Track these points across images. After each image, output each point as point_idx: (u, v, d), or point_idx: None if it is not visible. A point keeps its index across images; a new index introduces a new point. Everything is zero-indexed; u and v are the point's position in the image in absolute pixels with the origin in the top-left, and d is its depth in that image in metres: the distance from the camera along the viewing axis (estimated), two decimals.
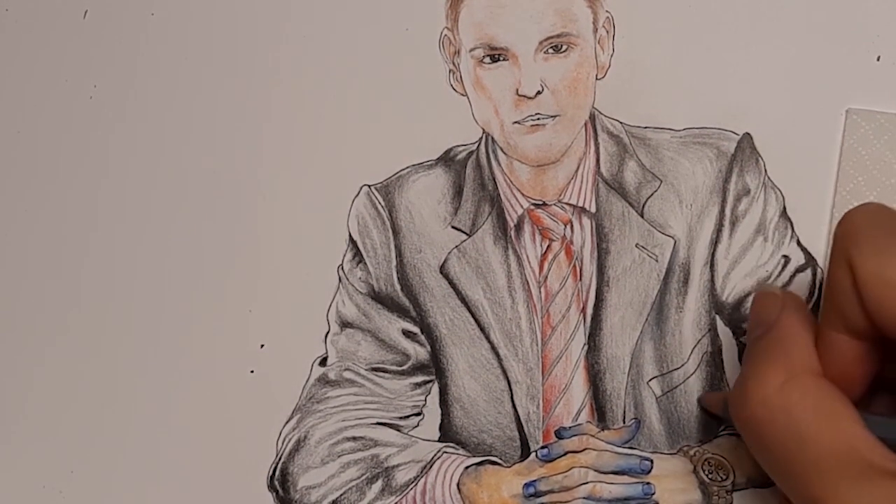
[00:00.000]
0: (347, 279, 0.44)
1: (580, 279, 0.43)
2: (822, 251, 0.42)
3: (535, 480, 0.41)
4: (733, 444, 0.40)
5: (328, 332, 0.44)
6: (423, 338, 0.43)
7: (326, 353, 0.43)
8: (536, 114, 0.44)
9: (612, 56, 0.44)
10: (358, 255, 0.44)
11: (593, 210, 0.43)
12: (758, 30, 0.44)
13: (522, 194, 0.44)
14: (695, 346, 0.41)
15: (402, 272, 0.44)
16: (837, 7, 0.43)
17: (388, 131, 0.45)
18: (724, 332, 0.42)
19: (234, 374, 0.44)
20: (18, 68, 0.49)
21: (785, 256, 0.42)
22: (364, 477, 0.42)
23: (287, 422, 0.43)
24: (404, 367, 0.43)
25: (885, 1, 0.43)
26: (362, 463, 0.42)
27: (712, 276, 0.42)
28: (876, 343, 0.33)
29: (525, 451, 0.41)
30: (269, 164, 0.46)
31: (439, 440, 0.42)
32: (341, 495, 0.42)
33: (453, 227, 0.44)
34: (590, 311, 0.42)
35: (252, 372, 0.44)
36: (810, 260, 0.42)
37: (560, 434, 0.41)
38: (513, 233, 0.43)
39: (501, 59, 0.44)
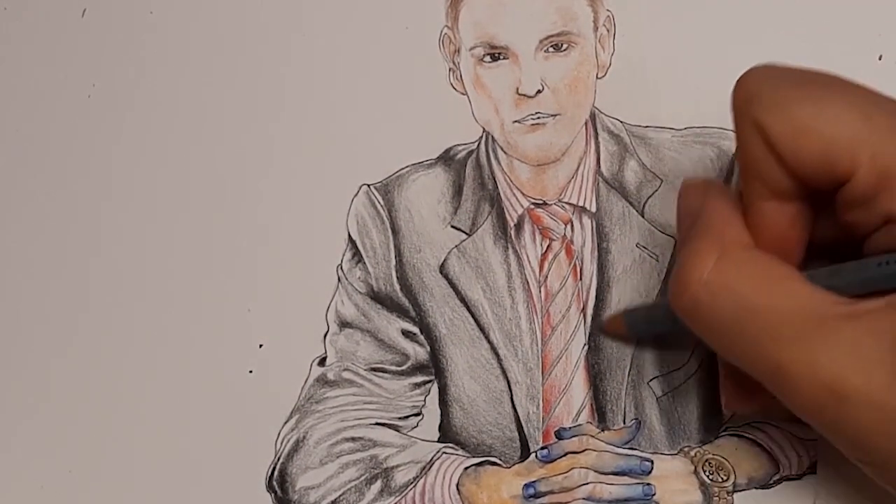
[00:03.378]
0: (346, 279, 0.44)
1: (580, 279, 0.43)
2: None
3: (534, 481, 0.41)
4: (734, 444, 0.40)
5: (327, 332, 0.44)
6: (422, 338, 0.43)
7: (325, 353, 0.43)
8: (537, 113, 0.43)
9: (612, 55, 0.44)
10: (357, 255, 0.44)
11: (594, 210, 0.43)
12: (759, 29, 0.43)
13: (522, 194, 0.44)
14: (696, 346, 0.41)
15: (402, 272, 0.44)
16: (839, 6, 0.43)
17: (388, 130, 0.45)
18: None
19: (232, 373, 0.44)
20: (17, 67, 0.49)
21: None
22: (363, 477, 0.42)
23: (286, 422, 0.43)
24: (403, 368, 0.43)
25: (886, 0, 0.43)
26: (361, 463, 0.42)
27: None
28: (803, 202, 0.32)
29: (525, 452, 0.41)
30: (267, 163, 0.46)
31: (439, 441, 0.42)
32: (340, 496, 0.42)
33: (453, 227, 0.44)
34: (590, 311, 0.42)
35: (251, 372, 0.44)
36: None
37: (560, 435, 0.41)
38: (513, 232, 0.43)
39: (502, 57, 0.44)
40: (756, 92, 0.32)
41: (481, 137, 0.44)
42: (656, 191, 0.43)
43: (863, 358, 0.29)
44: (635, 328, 0.41)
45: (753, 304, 0.31)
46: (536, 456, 0.41)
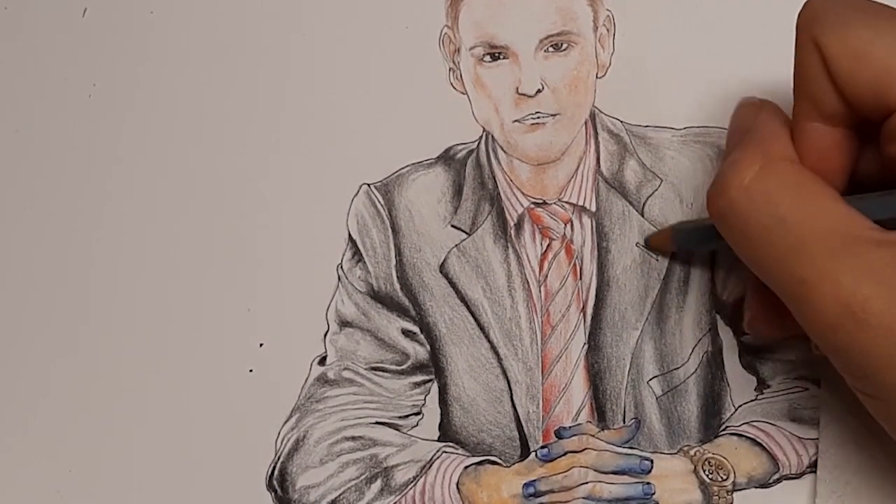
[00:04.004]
0: (347, 278, 0.44)
1: (580, 278, 0.43)
2: None
3: (534, 480, 0.41)
4: (734, 444, 0.40)
5: (327, 332, 0.44)
6: (422, 337, 0.43)
7: (325, 352, 0.43)
8: (536, 112, 0.43)
9: (612, 55, 0.44)
10: (357, 254, 0.44)
11: (593, 209, 0.43)
12: (758, 28, 0.43)
13: (522, 193, 0.44)
14: (695, 345, 0.41)
15: (402, 271, 0.44)
16: None
17: (388, 130, 0.45)
18: (724, 331, 0.42)
19: (232, 373, 0.44)
20: (17, 66, 0.49)
21: None
22: (363, 477, 0.42)
23: (286, 421, 0.43)
24: (403, 367, 0.43)
25: (885, 0, 0.43)
26: (361, 462, 0.42)
27: (713, 276, 0.42)
28: (850, 130, 0.33)
29: (525, 451, 0.41)
30: (267, 162, 0.46)
31: (438, 440, 0.42)
32: (340, 495, 0.42)
33: (453, 226, 0.44)
34: (590, 310, 0.42)
35: (251, 371, 0.44)
36: None
37: (560, 434, 0.41)
38: (513, 232, 0.43)
39: (501, 57, 0.44)
40: (820, 11, 0.32)
41: (481, 137, 0.44)
42: (656, 190, 0.43)
43: (888, 285, 0.29)
44: (683, 243, 0.41)
45: (789, 216, 0.31)
46: (536, 455, 0.41)
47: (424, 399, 0.43)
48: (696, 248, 0.41)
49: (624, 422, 0.41)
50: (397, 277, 0.44)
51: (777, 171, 0.32)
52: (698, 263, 0.42)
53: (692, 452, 0.40)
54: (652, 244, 0.42)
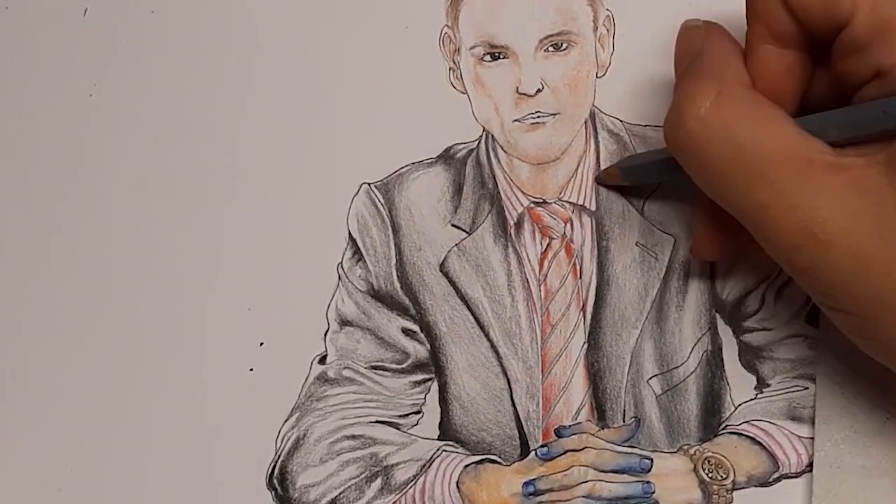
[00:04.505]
0: (347, 277, 0.44)
1: (580, 277, 0.43)
2: None
3: (534, 479, 0.41)
4: (734, 443, 0.40)
5: (327, 331, 0.44)
6: (422, 336, 0.43)
7: (326, 351, 0.43)
8: (536, 112, 0.44)
9: (612, 54, 0.44)
10: (357, 254, 0.44)
11: (593, 208, 0.43)
12: None
13: (522, 192, 0.44)
14: (695, 344, 0.41)
15: (402, 270, 0.44)
16: None
17: (388, 129, 0.45)
18: (724, 330, 0.42)
19: (233, 372, 0.44)
20: (18, 66, 0.49)
21: None
22: (363, 475, 0.42)
23: (286, 420, 0.43)
24: (404, 366, 0.43)
25: None
26: (361, 461, 0.42)
27: (712, 275, 0.42)
28: (802, 52, 0.34)
29: (524, 450, 0.41)
30: (268, 162, 0.46)
31: (438, 438, 0.42)
32: (340, 494, 0.42)
33: (453, 226, 0.44)
34: (590, 309, 0.42)
35: (251, 370, 0.44)
36: None
37: (560, 433, 0.41)
38: (513, 231, 0.43)
39: (501, 57, 0.44)
40: None
41: (481, 136, 0.44)
42: (656, 189, 0.43)
43: (844, 207, 0.30)
44: (632, 176, 0.41)
45: (745, 142, 0.32)
46: (536, 454, 0.41)
47: (424, 398, 0.43)
48: (645, 181, 0.42)
49: (624, 421, 0.41)
50: (397, 276, 0.44)
51: (732, 98, 0.33)
52: (698, 263, 0.42)
53: (692, 451, 0.40)
54: (604, 179, 0.43)
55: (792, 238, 0.31)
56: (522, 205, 0.44)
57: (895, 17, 0.30)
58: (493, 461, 0.41)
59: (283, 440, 0.43)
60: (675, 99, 0.34)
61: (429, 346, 0.43)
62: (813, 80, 0.35)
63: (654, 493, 0.40)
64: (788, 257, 0.32)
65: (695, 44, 0.36)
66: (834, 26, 0.32)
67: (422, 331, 0.43)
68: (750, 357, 0.41)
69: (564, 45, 0.44)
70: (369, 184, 0.45)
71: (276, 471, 0.42)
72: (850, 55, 0.32)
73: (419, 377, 0.43)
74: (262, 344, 0.44)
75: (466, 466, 0.41)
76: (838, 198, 0.31)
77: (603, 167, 0.43)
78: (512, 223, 0.43)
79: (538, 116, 0.44)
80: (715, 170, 0.33)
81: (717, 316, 0.42)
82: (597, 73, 0.44)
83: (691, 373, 0.41)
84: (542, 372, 0.42)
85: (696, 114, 0.32)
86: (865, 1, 0.31)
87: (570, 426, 0.41)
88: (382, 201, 0.44)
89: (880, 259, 0.30)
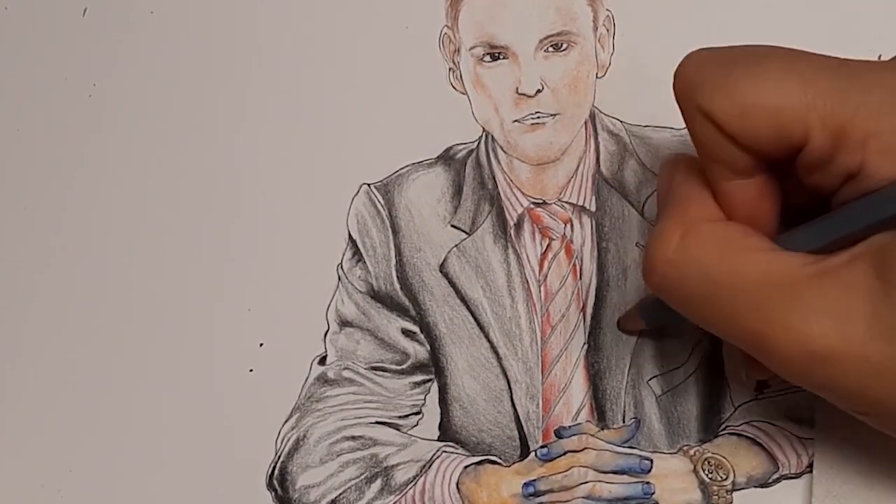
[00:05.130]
0: (347, 278, 0.44)
1: (580, 278, 0.43)
2: None
3: (534, 480, 0.41)
4: (734, 443, 0.40)
5: (327, 331, 0.44)
6: (422, 337, 0.43)
7: (325, 351, 0.43)
8: (536, 112, 0.44)
9: (612, 54, 0.44)
10: (357, 254, 0.44)
11: (593, 209, 0.43)
12: (758, 28, 0.43)
13: (522, 193, 0.44)
14: (695, 345, 0.41)
15: (402, 271, 0.44)
16: (838, 5, 0.43)
17: (388, 130, 0.45)
18: None
19: (232, 372, 0.44)
20: (18, 66, 0.49)
21: None
22: (363, 476, 0.42)
23: (286, 421, 0.43)
24: (403, 367, 0.43)
25: (886, 0, 0.43)
26: (361, 462, 0.42)
27: None
28: (766, 173, 0.32)
29: (524, 451, 0.41)
30: (268, 162, 0.46)
31: (438, 439, 0.42)
32: (340, 494, 0.42)
33: (453, 226, 0.44)
34: (590, 310, 0.42)
35: (251, 371, 0.44)
36: None
37: (560, 433, 0.41)
38: (512, 232, 0.43)
39: (501, 57, 0.44)
40: (695, 77, 0.31)
41: (481, 137, 0.44)
42: (656, 190, 0.43)
43: (837, 315, 0.29)
44: (651, 320, 0.40)
45: (720, 276, 0.31)
46: (536, 455, 0.41)
47: (424, 399, 0.43)
48: (663, 320, 0.40)
49: (624, 421, 0.41)
50: (397, 277, 0.44)
51: (698, 236, 0.32)
52: None
53: (692, 452, 0.40)
54: (622, 327, 0.42)
55: (795, 360, 0.30)
56: (522, 205, 0.44)
57: (847, 123, 0.29)
58: (493, 462, 0.41)
59: (283, 441, 0.43)
60: (647, 242, 0.33)
61: (429, 347, 0.43)
62: (786, 188, 0.33)
63: (654, 493, 0.40)
64: (799, 379, 0.30)
65: (665, 182, 0.35)
66: (791, 151, 0.31)
67: (422, 332, 0.43)
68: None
69: (564, 46, 0.44)
70: (369, 184, 0.45)
71: (276, 471, 0.42)
72: (815, 171, 0.31)
73: (419, 378, 0.43)
74: (261, 345, 0.44)
75: (466, 467, 0.41)
76: (828, 305, 0.29)
77: (604, 169, 0.43)
78: (512, 224, 0.43)
79: (538, 117, 0.44)
80: (698, 307, 0.32)
81: None
82: (597, 74, 0.44)
83: (691, 374, 0.41)
84: (542, 373, 0.42)
85: (664, 257, 0.32)
86: (814, 121, 0.30)
87: (570, 427, 0.41)
88: (382, 202, 0.44)
89: (887, 361, 0.28)
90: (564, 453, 0.41)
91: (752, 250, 0.31)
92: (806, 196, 0.33)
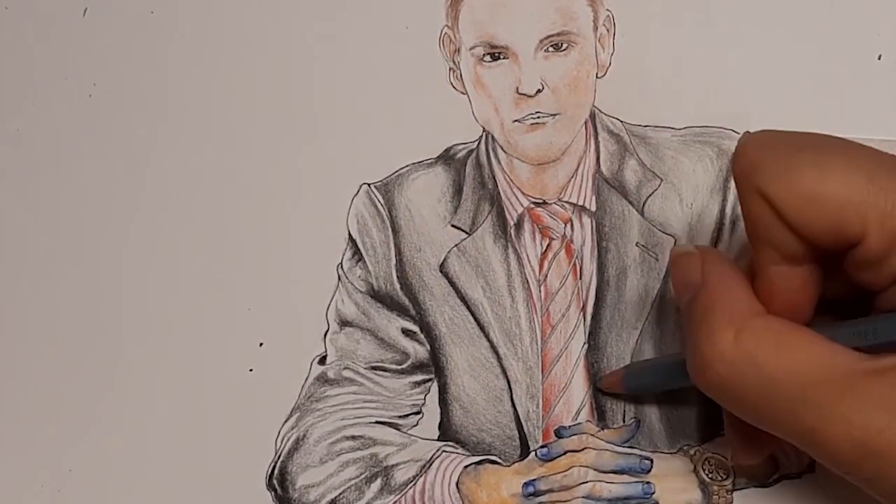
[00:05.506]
0: (347, 278, 0.44)
1: (580, 278, 0.43)
2: None
3: (534, 479, 0.41)
4: None
5: (327, 331, 0.44)
6: (422, 336, 0.43)
7: (325, 351, 0.43)
8: (536, 112, 0.44)
9: (612, 55, 0.44)
10: (357, 254, 0.44)
11: (593, 209, 0.43)
12: (758, 28, 0.43)
13: (522, 193, 0.44)
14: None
15: (402, 271, 0.44)
16: (838, 5, 0.43)
17: (388, 129, 0.45)
18: None
19: (232, 372, 0.44)
20: (18, 66, 0.49)
21: None
22: (363, 476, 0.42)
23: (286, 420, 0.43)
24: (403, 366, 0.43)
25: (886, 0, 0.43)
26: (361, 462, 0.42)
27: None
28: (814, 264, 0.32)
29: (524, 451, 0.41)
30: (268, 162, 0.46)
31: (438, 439, 0.42)
32: (340, 494, 0.42)
33: (453, 226, 0.44)
34: (590, 309, 0.42)
35: (251, 370, 0.44)
36: None
37: (560, 433, 0.41)
38: (513, 231, 0.43)
39: (501, 57, 0.44)
40: (757, 160, 0.31)
41: (481, 137, 0.44)
42: (656, 190, 0.43)
43: (893, 411, 0.29)
44: (634, 385, 0.40)
45: (778, 374, 0.31)
46: (536, 454, 0.41)
47: (424, 398, 0.43)
48: (648, 389, 0.41)
49: (624, 421, 0.41)
50: (397, 277, 0.44)
51: (753, 332, 0.32)
52: None
53: (692, 452, 0.40)
54: (603, 386, 0.41)
55: (848, 455, 0.30)
56: (522, 205, 0.44)
57: None
58: (493, 462, 0.41)
59: (282, 441, 0.43)
60: (693, 341, 0.33)
61: (429, 347, 0.43)
62: (827, 281, 0.34)
63: (654, 493, 0.40)
64: (849, 472, 0.31)
65: (693, 275, 0.34)
66: (845, 245, 0.31)
67: (422, 331, 0.43)
68: None
69: (564, 46, 0.44)
70: (369, 184, 0.45)
71: (276, 471, 0.42)
72: (865, 269, 0.31)
73: (419, 378, 0.43)
74: (261, 344, 0.44)
75: (466, 467, 0.41)
76: (886, 402, 0.29)
77: (604, 169, 0.43)
78: (512, 224, 0.43)
79: (538, 117, 0.44)
80: (754, 405, 0.32)
81: None
82: (597, 74, 0.44)
83: None
84: (542, 372, 0.42)
85: (720, 357, 0.32)
86: (874, 219, 0.30)
87: (570, 427, 0.41)
88: (382, 202, 0.44)
89: None
90: (564, 453, 0.41)
91: (810, 345, 0.31)
92: (845, 289, 0.33)
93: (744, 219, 0.32)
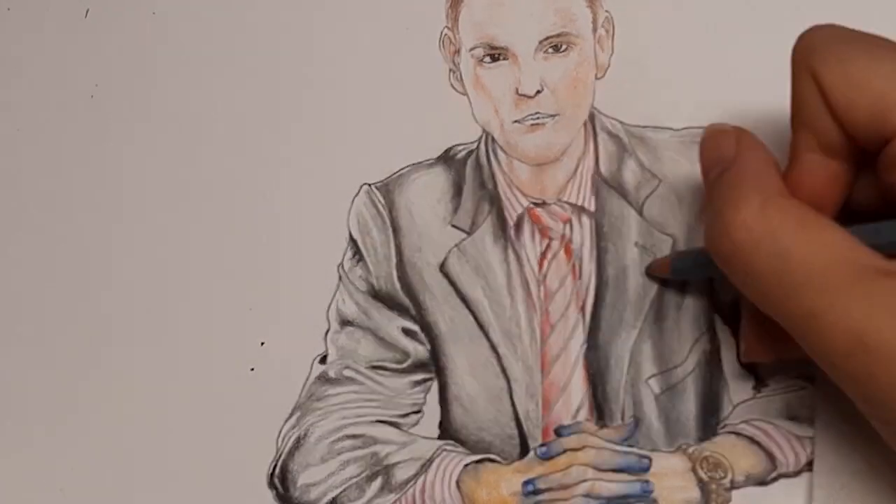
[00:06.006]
0: (347, 277, 0.44)
1: (579, 278, 0.43)
2: None
3: (534, 478, 0.41)
4: (732, 442, 0.40)
5: (328, 331, 0.44)
6: (422, 336, 0.43)
7: (326, 351, 0.44)
8: (536, 113, 0.44)
9: (611, 56, 0.44)
10: (358, 254, 0.44)
11: (593, 209, 0.43)
12: (758, 28, 0.44)
13: (522, 193, 0.44)
14: (693, 344, 0.41)
15: (402, 271, 0.44)
16: (838, 5, 0.43)
17: (388, 130, 0.45)
18: (722, 330, 0.42)
19: (234, 371, 0.44)
20: (19, 66, 0.49)
21: None
22: (363, 474, 0.42)
23: (287, 419, 0.43)
24: (404, 366, 0.43)
25: (886, 0, 0.43)
26: (362, 461, 0.42)
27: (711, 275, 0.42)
28: (847, 161, 0.33)
29: (524, 449, 0.42)
30: (269, 162, 0.46)
31: (439, 438, 0.42)
32: (341, 493, 0.42)
33: (453, 226, 0.44)
34: (589, 309, 0.42)
35: (252, 370, 0.44)
36: None
37: (559, 432, 0.41)
38: (512, 232, 0.44)
39: (501, 58, 0.44)
40: (816, 43, 0.33)
41: (481, 137, 0.45)
42: (655, 190, 0.43)
43: (895, 314, 0.29)
44: (682, 272, 0.41)
45: (794, 251, 0.31)
46: (536, 453, 0.41)
47: (425, 397, 0.43)
48: (693, 276, 0.41)
49: (623, 420, 0.41)
50: (398, 277, 0.44)
51: (777, 206, 0.32)
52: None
53: (690, 450, 0.41)
54: (651, 271, 0.42)
55: (841, 346, 0.30)
56: (522, 205, 0.44)
57: None
58: (493, 460, 0.42)
59: (283, 439, 0.43)
60: (717, 208, 0.33)
61: (429, 346, 0.43)
62: (856, 185, 0.34)
63: (652, 492, 0.40)
64: (836, 365, 0.31)
65: (726, 151, 0.35)
66: (881, 139, 0.31)
67: (422, 331, 0.43)
68: None
69: (564, 47, 0.44)
70: (370, 184, 0.45)
71: (277, 470, 0.43)
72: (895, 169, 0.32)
73: (419, 377, 0.43)
74: (262, 344, 0.44)
75: (466, 466, 0.41)
76: (891, 303, 0.29)
77: (604, 170, 0.44)
78: (511, 224, 0.44)
79: (538, 117, 0.44)
80: (762, 278, 0.32)
81: (716, 316, 0.42)
82: (596, 75, 0.44)
83: (690, 372, 0.41)
84: (542, 372, 0.42)
85: (741, 222, 0.32)
86: None
87: (569, 425, 0.41)
88: (383, 202, 0.44)
89: None
90: (564, 452, 0.41)
91: (830, 230, 0.31)
92: (870, 199, 0.34)
93: (791, 102, 0.33)
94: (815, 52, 0.32)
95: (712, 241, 0.33)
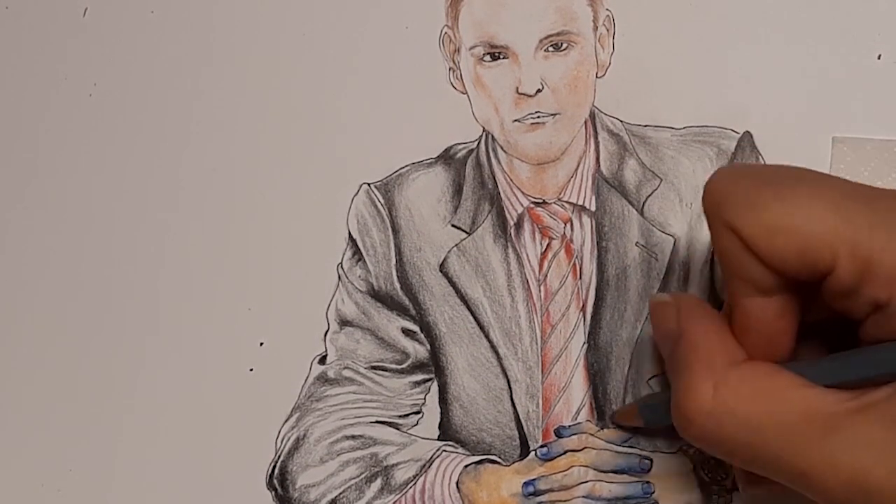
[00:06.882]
0: (347, 277, 0.44)
1: (580, 278, 0.43)
2: None
3: (534, 479, 0.41)
4: None
5: (327, 331, 0.44)
6: (422, 336, 0.43)
7: (326, 351, 0.43)
8: (536, 112, 0.44)
9: (612, 54, 0.44)
10: (357, 254, 0.44)
11: (593, 208, 0.43)
12: (758, 28, 0.43)
13: (522, 193, 0.44)
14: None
15: (402, 271, 0.44)
16: (838, 5, 0.43)
17: (388, 129, 0.45)
18: None
19: (233, 372, 0.44)
20: (18, 66, 0.49)
21: None
22: (363, 475, 0.42)
23: (286, 420, 0.43)
24: (404, 366, 0.43)
25: (886, 0, 0.43)
26: (361, 461, 0.42)
27: (712, 275, 0.42)
28: (789, 293, 0.32)
29: (524, 450, 0.41)
30: (268, 162, 0.46)
31: (438, 439, 0.42)
32: (340, 494, 0.42)
33: (453, 226, 0.44)
34: (589, 309, 0.42)
35: (251, 370, 0.44)
36: None
37: (559, 433, 0.41)
38: (512, 231, 0.43)
39: (501, 57, 0.44)
40: (725, 193, 0.31)
41: (481, 136, 0.44)
42: (655, 190, 0.43)
43: (880, 449, 0.29)
44: (650, 419, 0.40)
45: (761, 422, 0.31)
46: (536, 454, 0.41)
47: (424, 398, 0.43)
48: (664, 422, 0.39)
49: None
50: (397, 277, 0.44)
51: (730, 384, 0.32)
52: (698, 263, 0.42)
53: (691, 452, 0.40)
54: (617, 419, 0.41)
55: (839, 496, 0.30)
56: (522, 205, 0.44)
57: (876, 255, 0.29)
58: (493, 461, 0.41)
59: (283, 440, 0.43)
60: (675, 394, 0.33)
61: (429, 347, 0.43)
62: (808, 307, 0.33)
63: (653, 493, 0.40)
64: None
65: (670, 323, 0.35)
66: (816, 276, 0.31)
67: (422, 331, 0.43)
68: None
69: (564, 45, 0.44)
70: (369, 184, 0.45)
71: (277, 471, 0.43)
72: (841, 298, 0.31)
73: (419, 377, 0.43)
74: (262, 344, 0.44)
75: (466, 466, 0.41)
76: (872, 441, 0.29)
77: (604, 169, 0.43)
78: (512, 223, 0.43)
79: (538, 116, 0.44)
80: (741, 452, 0.32)
81: None
82: (597, 74, 0.44)
83: None
84: (542, 372, 0.42)
85: (701, 411, 0.32)
86: (843, 249, 0.30)
87: (569, 426, 0.41)
88: (382, 201, 0.44)
89: None
90: (564, 452, 0.41)
91: (788, 390, 0.31)
92: (828, 313, 0.33)
93: (716, 255, 0.33)
94: (726, 205, 0.31)
95: (679, 427, 0.33)
